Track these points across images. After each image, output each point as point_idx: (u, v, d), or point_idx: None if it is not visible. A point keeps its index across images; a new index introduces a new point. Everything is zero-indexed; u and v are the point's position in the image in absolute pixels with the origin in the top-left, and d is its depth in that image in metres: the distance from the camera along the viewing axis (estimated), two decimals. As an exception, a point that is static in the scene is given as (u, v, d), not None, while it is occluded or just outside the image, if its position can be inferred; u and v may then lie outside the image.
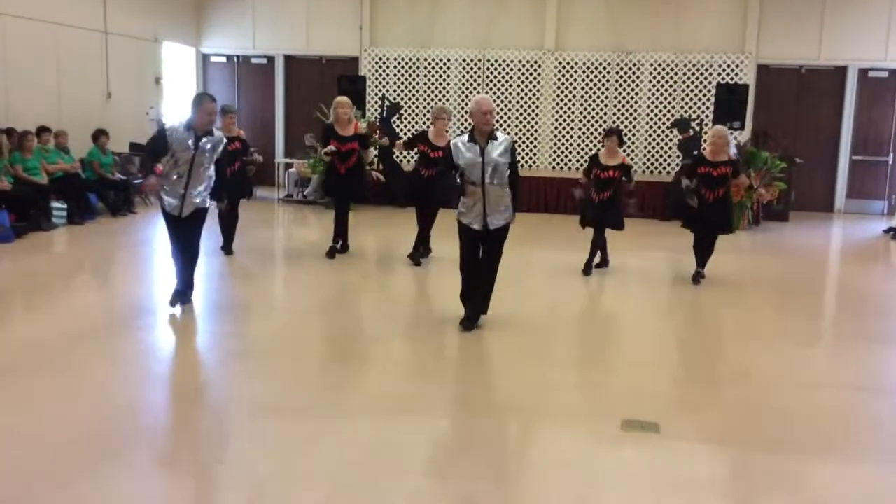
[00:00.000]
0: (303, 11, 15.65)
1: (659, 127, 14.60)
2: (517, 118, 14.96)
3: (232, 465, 3.89)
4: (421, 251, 8.92)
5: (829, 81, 14.46)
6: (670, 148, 14.51)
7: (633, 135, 14.56)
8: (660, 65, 14.50)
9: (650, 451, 4.16)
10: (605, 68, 14.71)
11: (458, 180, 6.08)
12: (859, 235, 12.47)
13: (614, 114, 14.73)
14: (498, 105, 15.09)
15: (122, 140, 13.28)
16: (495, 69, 15.04)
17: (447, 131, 8.82)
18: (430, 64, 15.22)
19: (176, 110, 15.71)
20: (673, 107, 14.51)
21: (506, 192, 6.09)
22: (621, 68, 14.65)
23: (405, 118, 15.30)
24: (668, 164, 14.54)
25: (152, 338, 6.03)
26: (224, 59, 16.38)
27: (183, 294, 6.62)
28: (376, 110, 14.69)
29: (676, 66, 14.45)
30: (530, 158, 15.00)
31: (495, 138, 6.03)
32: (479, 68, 15.09)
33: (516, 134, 14.80)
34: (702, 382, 5.39)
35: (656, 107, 14.60)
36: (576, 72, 14.82)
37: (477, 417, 4.55)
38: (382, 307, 7.27)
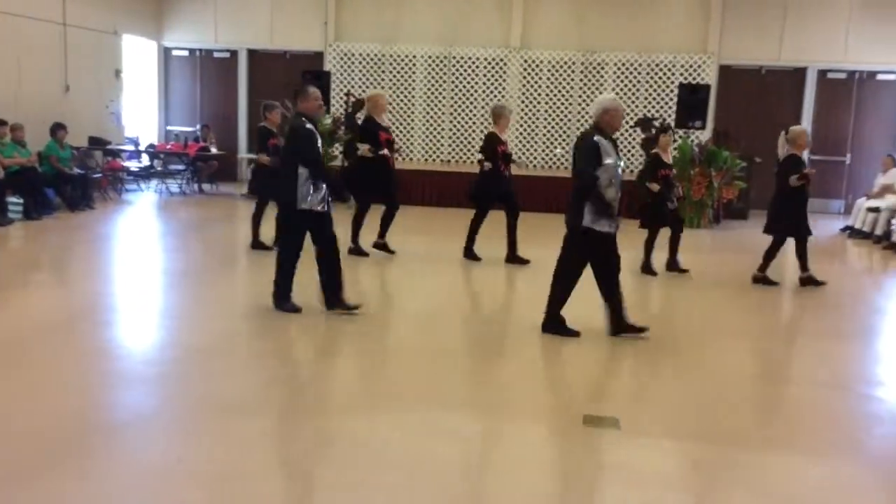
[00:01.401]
0: (267, 5, 15.51)
1: (623, 126, 14.68)
2: (482, 115, 14.98)
3: (192, 462, 3.83)
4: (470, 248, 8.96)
5: (788, 82, 14.72)
6: (633, 147, 14.63)
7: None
8: (624, 64, 14.64)
9: (611, 445, 4.19)
10: (570, 67, 14.80)
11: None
12: (817, 234, 12.60)
13: (579, 112, 14.82)
14: (463, 102, 15.13)
15: (81, 134, 13.06)
16: (461, 66, 15.05)
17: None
18: (395, 60, 15.17)
19: (136, 104, 15.51)
20: (636, 106, 14.64)
21: None
22: (586, 67, 14.75)
23: (370, 114, 15.21)
24: (632, 163, 14.64)
25: (112, 334, 5.93)
26: (186, 53, 16.18)
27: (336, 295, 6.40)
28: (341, 106, 14.61)
29: (640, 65, 14.59)
30: (495, 156, 15.01)
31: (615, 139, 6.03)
32: (445, 65, 15.08)
33: (480, 132, 14.81)
34: (662, 377, 5.44)
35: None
36: (541, 70, 14.88)
37: (443, 413, 4.54)
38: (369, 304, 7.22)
